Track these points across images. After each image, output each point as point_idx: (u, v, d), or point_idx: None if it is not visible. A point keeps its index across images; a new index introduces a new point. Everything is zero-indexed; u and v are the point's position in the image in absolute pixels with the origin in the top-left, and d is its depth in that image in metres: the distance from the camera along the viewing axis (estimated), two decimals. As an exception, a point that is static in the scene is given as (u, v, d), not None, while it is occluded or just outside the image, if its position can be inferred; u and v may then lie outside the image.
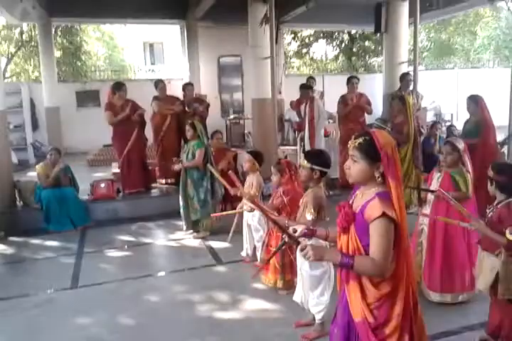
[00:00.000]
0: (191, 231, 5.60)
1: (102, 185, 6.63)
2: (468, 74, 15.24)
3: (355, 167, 1.95)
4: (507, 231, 2.64)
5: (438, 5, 9.67)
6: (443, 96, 14.20)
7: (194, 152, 5.35)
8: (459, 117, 13.05)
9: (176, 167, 5.45)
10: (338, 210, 1.99)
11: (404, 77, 7.15)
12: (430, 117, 13.52)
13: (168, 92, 7.33)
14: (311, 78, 8.59)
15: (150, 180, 7.11)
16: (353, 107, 6.96)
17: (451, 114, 14.45)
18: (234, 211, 4.57)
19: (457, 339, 3.11)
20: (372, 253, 1.84)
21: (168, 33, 20.25)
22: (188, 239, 5.50)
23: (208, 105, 7.49)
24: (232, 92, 13.40)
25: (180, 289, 4.15)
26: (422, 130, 6.78)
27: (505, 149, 7.35)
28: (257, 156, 4.62)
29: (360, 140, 1.93)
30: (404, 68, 8.10)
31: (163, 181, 7.30)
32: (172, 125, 7.10)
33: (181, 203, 5.51)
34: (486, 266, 2.85)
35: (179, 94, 7.68)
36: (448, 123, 11.17)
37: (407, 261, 1.92)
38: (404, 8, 7.86)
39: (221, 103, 13.29)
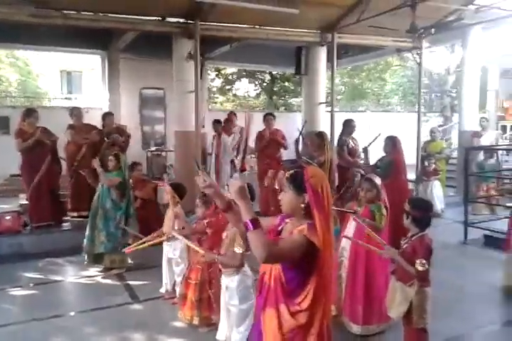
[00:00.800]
0: (102, 266, 5.26)
1: (7, 217, 6.11)
2: (378, 116, 16.34)
3: (285, 196, 2.03)
4: (417, 262, 2.80)
5: (353, 52, 10.44)
6: (356, 137, 15.05)
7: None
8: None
9: (94, 163, 5.16)
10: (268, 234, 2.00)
11: (348, 123, 7.27)
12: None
13: (86, 122, 7.07)
14: (232, 113, 8.73)
15: (61, 213, 6.68)
16: (269, 143, 7.19)
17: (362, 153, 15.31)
18: (151, 242, 4.33)
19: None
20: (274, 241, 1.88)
21: (88, 62, 19.82)
22: (101, 276, 5.17)
23: (129, 136, 7.30)
24: (154, 124, 13.24)
25: (92, 330, 3.84)
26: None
27: (413, 187, 7.91)
28: (178, 188, 4.51)
29: (292, 172, 2.03)
30: (322, 109, 8.51)
31: (75, 214, 6.89)
32: (87, 155, 6.79)
33: (87, 233, 5.22)
34: (400, 296, 2.97)
35: (97, 124, 7.43)
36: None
37: (327, 296, 1.94)
38: (323, 53, 8.35)
39: (142, 134, 13.04)
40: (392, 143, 5.76)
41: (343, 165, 6.79)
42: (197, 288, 3.65)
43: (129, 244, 5.09)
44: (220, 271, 3.25)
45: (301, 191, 1.95)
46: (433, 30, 7.53)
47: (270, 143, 7.28)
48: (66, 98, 17.16)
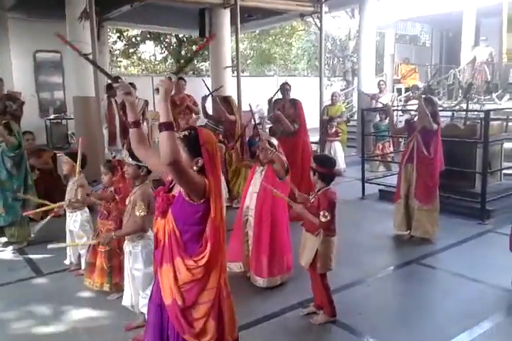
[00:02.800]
0: (3, 241, 5.00)
1: None
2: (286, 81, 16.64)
3: None
4: (320, 213, 3.03)
5: (257, 16, 10.40)
6: (265, 101, 15.26)
7: (7, 154, 4.81)
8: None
9: None
10: (156, 195, 2.02)
11: (283, 85, 7.32)
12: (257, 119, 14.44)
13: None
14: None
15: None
16: (180, 107, 7.05)
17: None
18: (50, 206, 4.15)
19: (280, 320, 3.36)
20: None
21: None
22: (1, 251, 4.90)
23: (23, 103, 6.78)
24: (52, 90, 12.41)
25: (-8, 307, 3.68)
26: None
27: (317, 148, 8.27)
28: (76, 157, 4.32)
29: (186, 132, 2.00)
30: (229, 73, 8.47)
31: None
32: None
33: None
34: (308, 245, 3.21)
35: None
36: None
37: (222, 253, 2.03)
38: (226, 16, 8.23)
39: (39, 102, 12.21)
40: (294, 105, 5.98)
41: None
42: (106, 255, 3.62)
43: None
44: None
45: (195, 154, 1.95)
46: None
47: (181, 108, 7.11)
48: None
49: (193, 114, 7.27)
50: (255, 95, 13.84)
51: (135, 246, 3.10)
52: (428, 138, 4.69)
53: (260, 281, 3.78)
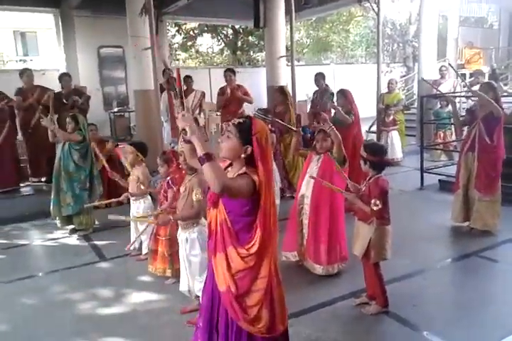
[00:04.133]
0: (70, 228, 5.32)
1: (-33, 185, 6.03)
2: (343, 69, 16.30)
3: (227, 143, 2.06)
4: (372, 202, 3.00)
5: (313, 3, 10.23)
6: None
7: (73, 145, 5.09)
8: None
9: (45, 122, 5.10)
10: (208, 188, 2.07)
11: (317, 76, 7.42)
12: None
13: (44, 84, 6.85)
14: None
15: (22, 178, 6.63)
16: (230, 99, 7.17)
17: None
18: (115, 199, 4.41)
19: (331, 309, 3.37)
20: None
21: (42, 21, 18.82)
22: (68, 237, 5.22)
23: (89, 97, 7.14)
24: (115, 84, 12.89)
25: (60, 289, 3.94)
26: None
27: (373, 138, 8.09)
28: (140, 147, 4.50)
29: (241, 120, 2.05)
30: (284, 62, 8.44)
31: (36, 179, 6.86)
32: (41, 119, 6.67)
33: (52, 196, 5.20)
34: (361, 234, 3.20)
35: (55, 86, 7.21)
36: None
37: (273, 242, 2.06)
38: (281, 4, 8.17)
39: (103, 96, 12.72)
40: (344, 96, 5.85)
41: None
42: (167, 243, 3.78)
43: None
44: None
45: (246, 142, 2.00)
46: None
47: (232, 99, 7.23)
48: (21, 60, 16.32)
49: (243, 105, 7.37)
50: (312, 84, 13.76)
51: (191, 233, 3.20)
52: (491, 125, 4.45)
53: (319, 269, 3.80)
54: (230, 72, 7.25)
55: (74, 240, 5.15)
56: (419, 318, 3.18)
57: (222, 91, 7.29)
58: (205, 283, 2.26)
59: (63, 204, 5.14)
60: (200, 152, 1.87)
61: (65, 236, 5.25)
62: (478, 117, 4.59)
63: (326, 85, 7.44)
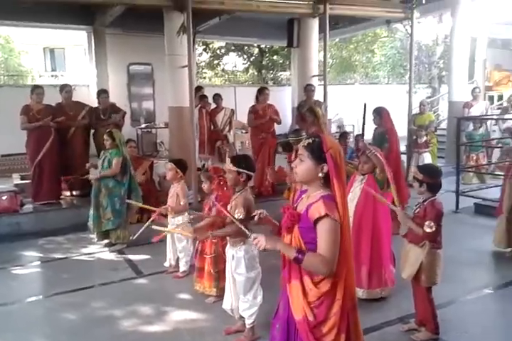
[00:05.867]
0: (105, 242, 5.35)
1: (4, 197, 6.08)
2: (367, 89, 16.32)
3: (301, 166, 2.03)
4: (426, 224, 2.95)
5: (343, 24, 10.36)
6: (345, 110, 15.09)
7: (111, 160, 5.13)
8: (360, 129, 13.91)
9: (92, 176, 5.19)
10: (283, 212, 2.05)
11: (306, 87, 7.47)
12: (334, 129, 14.28)
13: (74, 99, 6.98)
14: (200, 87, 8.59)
15: (61, 192, 6.71)
16: (264, 117, 7.17)
17: (353, 126, 15.36)
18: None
19: (378, 334, 3.28)
20: (320, 251, 1.91)
21: (71, 38, 19.35)
22: (103, 252, 5.23)
23: (125, 113, 7.25)
24: (143, 101, 13.08)
25: (100, 305, 3.92)
26: None
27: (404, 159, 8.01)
28: (180, 164, 4.52)
29: (310, 140, 2.03)
30: (315, 81, 8.48)
31: (68, 193, 6.93)
32: (77, 134, 6.80)
33: (91, 212, 5.25)
34: (411, 257, 3.12)
35: (84, 101, 7.34)
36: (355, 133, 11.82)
37: (348, 262, 2.00)
38: (315, 24, 8.26)
39: (131, 111, 12.91)
40: (380, 115, 5.76)
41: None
42: (213, 261, 3.75)
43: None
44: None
45: (321, 161, 1.97)
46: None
47: (265, 118, 7.23)
48: (52, 76, 16.74)
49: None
50: (335, 104, 13.78)
51: (238, 251, 3.17)
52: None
53: (360, 292, 3.68)
54: (267, 90, 7.26)
55: (109, 255, 5.15)
56: (471, 346, 3.08)
57: (254, 110, 7.28)
58: (277, 311, 2.17)
59: (103, 219, 5.18)
60: (292, 255, 1.92)
61: (101, 251, 5.26)
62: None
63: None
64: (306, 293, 1.97)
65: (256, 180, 6.99)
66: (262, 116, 7.27)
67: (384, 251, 3.74)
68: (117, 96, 11.67)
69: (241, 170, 3.13)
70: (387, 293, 3.76)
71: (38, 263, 4.99)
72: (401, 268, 3.26)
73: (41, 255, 5.21)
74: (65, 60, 23.82)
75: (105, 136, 5.22)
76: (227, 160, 3.29)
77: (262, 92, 7.28)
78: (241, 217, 3.07)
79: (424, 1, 7.49)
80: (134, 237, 5.14)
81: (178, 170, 4.43)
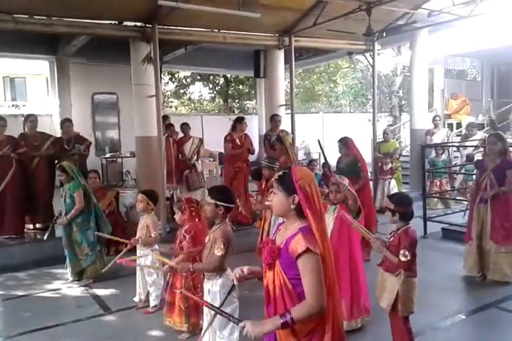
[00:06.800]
0: (76, 280, 5.11)
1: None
2: (331, 117, 16.73)
3: (274, 199, 2.02)
4: (400, 252, 2.95)
5: (306, 55, 10.66)
6: (310, 138, 15.36)
7: (72, 195, 4.97)
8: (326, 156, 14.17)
9: (61, 221, 5.01)
10: (263, 247, 2.01)
11: (273, 117, 7.56)
12: (301, 156, 14.48)
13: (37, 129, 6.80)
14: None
15: (23, 226, 6.43)
16: (240, 147, 7.18)
17: (319, 153, 15.61)
18: (125, 241, 4.28)
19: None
20: (306, 293, 1.86)
21: (31, 68, 19.11)
22: (68, 288, 4.98)
23: (90, 143, 7.10)
24: (108, 130, 12.93)
25: (66, 345, 3.71)
26: None
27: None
28: (151, 196, 4.41)
29: (280, 173, 2.03)
30: (282, 110, 8.62)
31: (31, 226, 6.66)
32: (41, 165, 6.59)
33: (67, 252, 5.04)
34: (388, 286, 3.10)
35: (47, 131, 7.18)
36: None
37: (333, 294, 1.96)
38: (281, 56, 8.45)
39: (95, 141, 12.69)
40: (345, 145, 5.86)
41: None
42: (183, 296, 3.61)
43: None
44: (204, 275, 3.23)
45: (291, 192, 1.94)
46: (384, 33, 7.84)
47: (241, 147, 7.25)
48: (13, 105, 16.35)
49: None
50: (301, 132, 14.01)
51: (214, 285, 3.08)
52: (502, 176, 4.53)
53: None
54: (245, 120, 7.29)
55: (75, 290, 4.92)
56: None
57: (232, 139, 7.23)
58: None
59: (81, 256, 5.00)
60: (279, 325, 1.84)
61: (66, 287, 5.01)
62: (485, 167, 4.66)
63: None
64: (295, 331, 1.91)
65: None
66: (239, 145, 7.26)
67: (361, 280, 3.73)
68: (81, 125, 11.44)
69: (219, 202, 3.08)
70: (364, 321, 3.72)
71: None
72: (378, 297, 3.23)
73: (3, 292, 4.91)
74: (26, 90, 23.42)
75: (57, 172, 5.11)
76: (205, 192, 3.24)
77: (240, 121, 7.29)
78: (221, 253, 3.01)
79: (384, 34, 7.79)
80: (104, 270, 5.04)
81: (150, 202, 4.32)
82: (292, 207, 1.95)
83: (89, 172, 6.23)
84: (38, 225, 6.65)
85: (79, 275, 5.10)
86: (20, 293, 4.90)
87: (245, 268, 2.19)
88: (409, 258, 2.98)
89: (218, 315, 2.98)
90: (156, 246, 4.33)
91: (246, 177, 7.30)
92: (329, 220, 3.77)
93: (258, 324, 1.87)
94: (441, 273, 5.05)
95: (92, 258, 5.00)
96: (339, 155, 6.14)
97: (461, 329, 3.84)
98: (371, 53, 8.63)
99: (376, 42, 8.51)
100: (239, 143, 7.20)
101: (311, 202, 1.92)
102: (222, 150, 7.85)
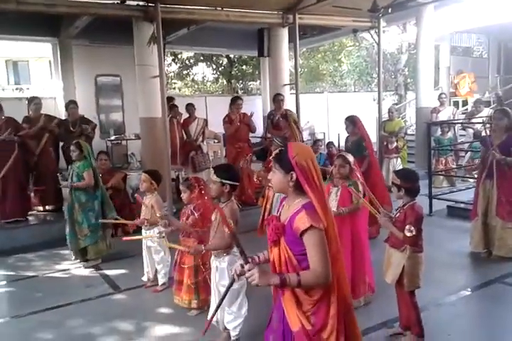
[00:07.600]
0: (79, 260, 5.18)
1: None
2: (335, 97, 16.58)
3: (274, 177, 2.04)
4: (406, 228, 2.96)
5: (311, 33, 10.51)
6: (314, 118, 15.28)
7: (80, 174, 4.98)
8: (330, 136, 14.08)
9: (64, 183, 5.03)
10: (267, 224, 2.02)
11: (276, 97, 7.50)
12: (305, 136, 14.43)
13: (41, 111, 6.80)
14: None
15: (29, 208, 6.48)
16: (239, 127, 7.16)
17: (324, 133, 15.56)
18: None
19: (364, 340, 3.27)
20: (312, 264, 1.88)
21: (34, 51, 18.98)
22: (77, 268, 5.07)
23: (95, 125, 7.10)
24: (112, 112, 12.89)
25: (77, 323, 3.78)
26: None
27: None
28: (154, 175, 4.43)
29: (277, 151, 2.04)
30: (286, 90, 8.54)
31: (41, 208, 6.72)
32: (47, 147, 6.61)
33: (68, 230, 5.09)
34: (394, 261, 3.13)
35: (51, 113, 7.17)
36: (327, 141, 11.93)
37: (338, 266, 1.98)
38: (285, 34, 8.34)
39: (100, 123, 12.67)
40: (353, 123, 5.81)
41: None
42: (192, 272, 3.66)
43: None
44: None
45: (288, 169, 1.95)
46: (390, 9, 7.70)
47: (240, 126, 7.22)
48: (16, 89, 16.30)
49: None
50: (306, 112, 13.93)
51: (221, 262, 3.12)
52: (507, 152, 4.50)
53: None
54: (240, 100, 7.27)
55: (84, 271, 5.00)
56: (456, 348, 3.10)
57: (229, 119, 7.24)
58: (269, 323, 2.13)
59: (80, 236, 5.02)
60: (275, 281, 1.87)
61: (75, 267, 5.10)
62: (491, 144, 4.63)
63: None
64: (300, 303, 1.95)
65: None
66: (237, 126, 7.23)
67: (366, 258, 3.75)
68: (85, 108, 11.36)
69: (224, 180, 3.08)
70: (368, 299, 3.76)
71: (10, 282, 4.78)
72: (384, 272, 3.26)
73: (13, 273, 5.00)
74: (30, 73, 23.34)
75: (72, 147, 5.08)
76: (211, 170, 3.25)
77: (234, 102, 7.27)
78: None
79: (390, 11, 7.65)
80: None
81: (153, 182, 4.34)
82: (291, 184, 1.96)
83: (99, 154, 6.24)
84: (47, 207, 6.72)
85: (81, 256, 5.13)
86: (30, 273, 4.99)
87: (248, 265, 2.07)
88: (414, 233, 3.00)
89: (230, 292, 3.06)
90: (160, 226, 4.34)
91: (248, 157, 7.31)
92: (332, 202, 3.76)
93: (265, 275, 1.88)
94: (446, 249, 5.08)
95: (90, 239, 5.01)
96: (345, 134, 6.12)
97: (467, 304, 3.88)
98: (376, 30, 8.49)
99: (381, 19, 8.36)
100: (238, 122, 7.18)
101: (309, 178, 1.93)
102: (225, 132, 7.84)
